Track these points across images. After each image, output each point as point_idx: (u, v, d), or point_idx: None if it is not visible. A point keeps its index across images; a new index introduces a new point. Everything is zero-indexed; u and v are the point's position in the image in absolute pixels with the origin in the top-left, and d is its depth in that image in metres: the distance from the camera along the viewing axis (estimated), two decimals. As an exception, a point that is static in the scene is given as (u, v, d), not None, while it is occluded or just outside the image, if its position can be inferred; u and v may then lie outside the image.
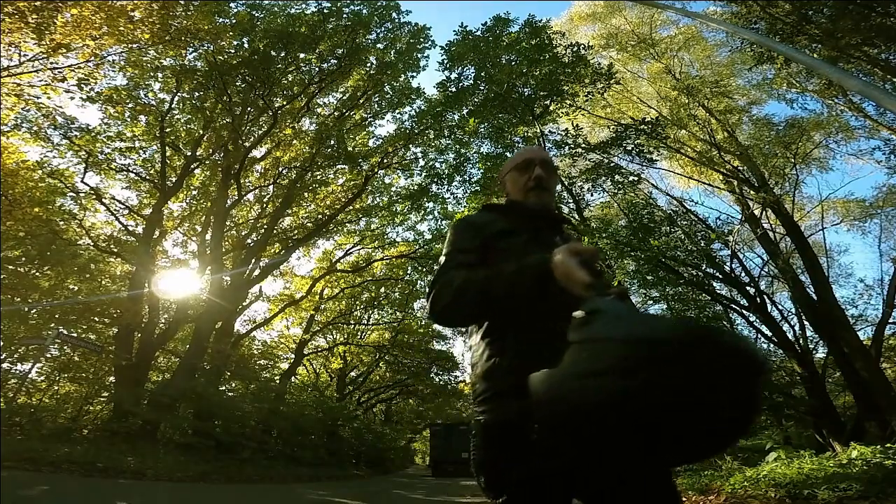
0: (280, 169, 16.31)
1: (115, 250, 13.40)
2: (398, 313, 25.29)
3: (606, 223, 11.96)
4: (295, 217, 17.82)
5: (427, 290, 1.14)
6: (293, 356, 21.24)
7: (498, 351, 1.10)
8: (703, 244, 12.54)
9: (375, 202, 18.43)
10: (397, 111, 16.54)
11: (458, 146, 13.63)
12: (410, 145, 16.16)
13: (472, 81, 11.79)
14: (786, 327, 12.39)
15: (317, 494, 8.18)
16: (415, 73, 16.21)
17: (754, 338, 14.33)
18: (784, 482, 4.50)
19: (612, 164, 10.61)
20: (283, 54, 13.80)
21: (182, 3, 10.11)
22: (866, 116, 11.61)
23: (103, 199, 13.41)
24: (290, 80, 14.71)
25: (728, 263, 12.66)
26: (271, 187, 16.80)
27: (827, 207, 14.55)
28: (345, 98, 16.40)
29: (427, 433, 28.67)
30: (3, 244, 10.27)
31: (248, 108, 14.27)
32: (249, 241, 16.32)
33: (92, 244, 13.09)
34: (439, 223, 16.30)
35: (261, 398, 14.26)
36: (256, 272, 16.09)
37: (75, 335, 11.03)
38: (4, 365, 10.16)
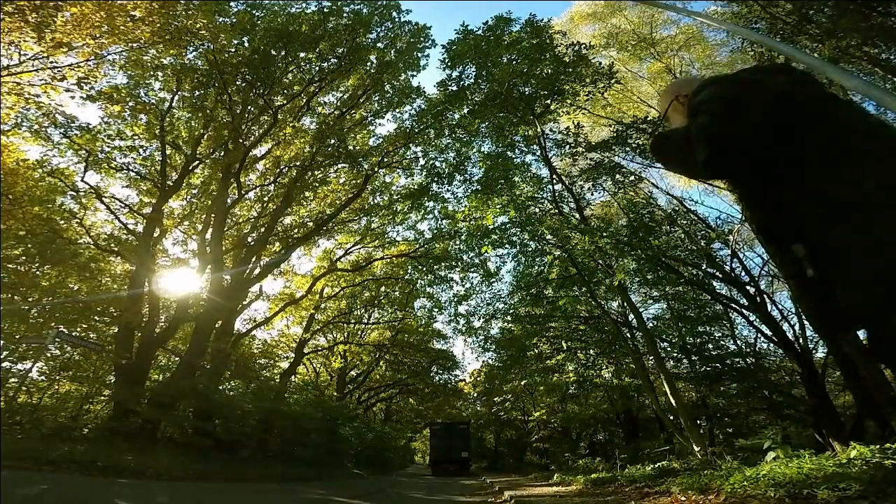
0: (280, 168, 16.32)
1: (116, 249, 13.41)
2: (398, 312, 25.31)
3: (607, 222, 11.97)
4: (295, 216, 17.83)
5: None
6: (293, 355, 21.27)
7: None
8: (703, 243, 12.54)
9: (376, 201, 18.45)
10: (397, 110, 16.56)
11: (458, 145, 13.63)
12: (411, 144, 16.17)
13: (472, 80, 11.79)
14: (786, 327, 12.39)
15: (317, 494, 8.18)
16: (415, 73, 16.23)
17: (754, 338, 14.38)
18: (783, 482, 4.50)
19: (612, 164, 10.61)
20: (283, 53, 13.80)
21: (182, 2, 10.10)
22: (867, 116, 11.61)
23: (103, 198, 13.42)
24: (290, 79, 14.72)
25: (728, 263, 12.66)
26: (272, 186, 16.82)
27: (827, 207, 14.49)
28: (345, 97, 16.40)
29: (427, 432, 28.72)
30: (4, 243, 10.28)
31: (249, 107, 14.27)
32: (250, 239, 16.33)
33: (92, 243, 13.10)
34: (439, 222, 16.33)
35: (261, 397, 14.25)
36: (257, 271, 16.10)
37: (75, 334, 11.04)
38: (5, 364, 10.16)
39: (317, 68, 14.81)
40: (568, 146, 11.18)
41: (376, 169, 16.42)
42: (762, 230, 1.18)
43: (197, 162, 14.62)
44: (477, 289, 15.64)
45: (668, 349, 13.88)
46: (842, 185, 1.00)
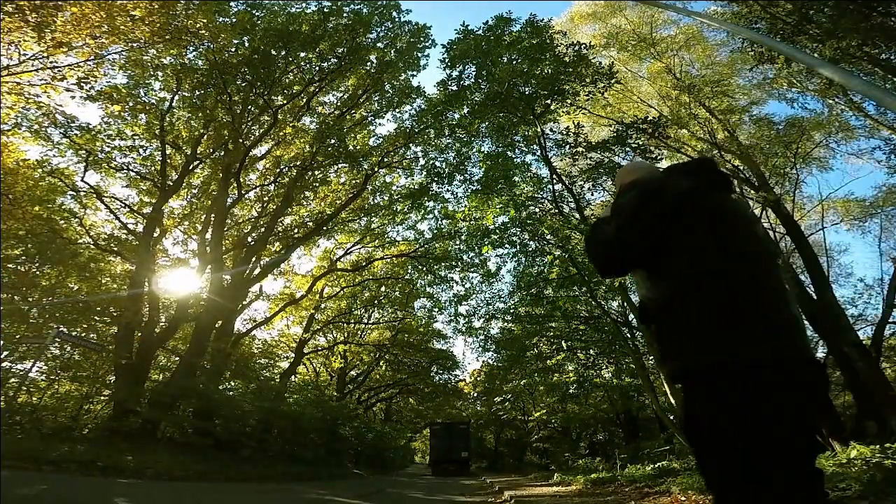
0: (280, 167, 16.31)
1: (116, 249, 13.40)
2: (398, 312, 25.30)
3: (607, 222, 11.93)
4: (295, 216, 17.82)
5: None
6: (293, 355, 21.27)
7: None
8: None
9: (376, 201, 18.44)
10: (397, 110, 16.55)
11: (458, 145, 13.62)
12: (411, 144, 16.16)
13: (472, 80, 11.77)
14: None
15: (317, 494, 8.19)
16: (415, 73, 16.23)
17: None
18: (784, 482, 4.49)
19: (612, 164, 10.61)
20: (283, 53, 13.79)
21: (182, 2, 10.09)
22: (867, 116, 11.60)
23: (103, 198, 13.41)
24: (290, 78, 14.71)
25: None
26: (272, 186, 16.80)
27: (827, 207, 14.56)
28: (345, 97, 16.39)
29: (427, 432, 28.71)
30: (4, 243, 10.27)
31: (249, 107, 14.26)
32: (250, 239, 16.32)
33: (92, 243, 13.09)
34: (439, 222, 16.31)
35: (261, 397, 14.26)
36: (257, 271, 16.10)
37: (75, 334, 11.04)
38: (5, 364, 10.16)
39: (317, 68, 14.81)
40: (568, 146, 11.17)
41: (376, 169, 16.41)
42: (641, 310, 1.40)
43: (197, 162, 14.61)
44: (477, 289, 15.64)
45: (668, 349, 13.84)
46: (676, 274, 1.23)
